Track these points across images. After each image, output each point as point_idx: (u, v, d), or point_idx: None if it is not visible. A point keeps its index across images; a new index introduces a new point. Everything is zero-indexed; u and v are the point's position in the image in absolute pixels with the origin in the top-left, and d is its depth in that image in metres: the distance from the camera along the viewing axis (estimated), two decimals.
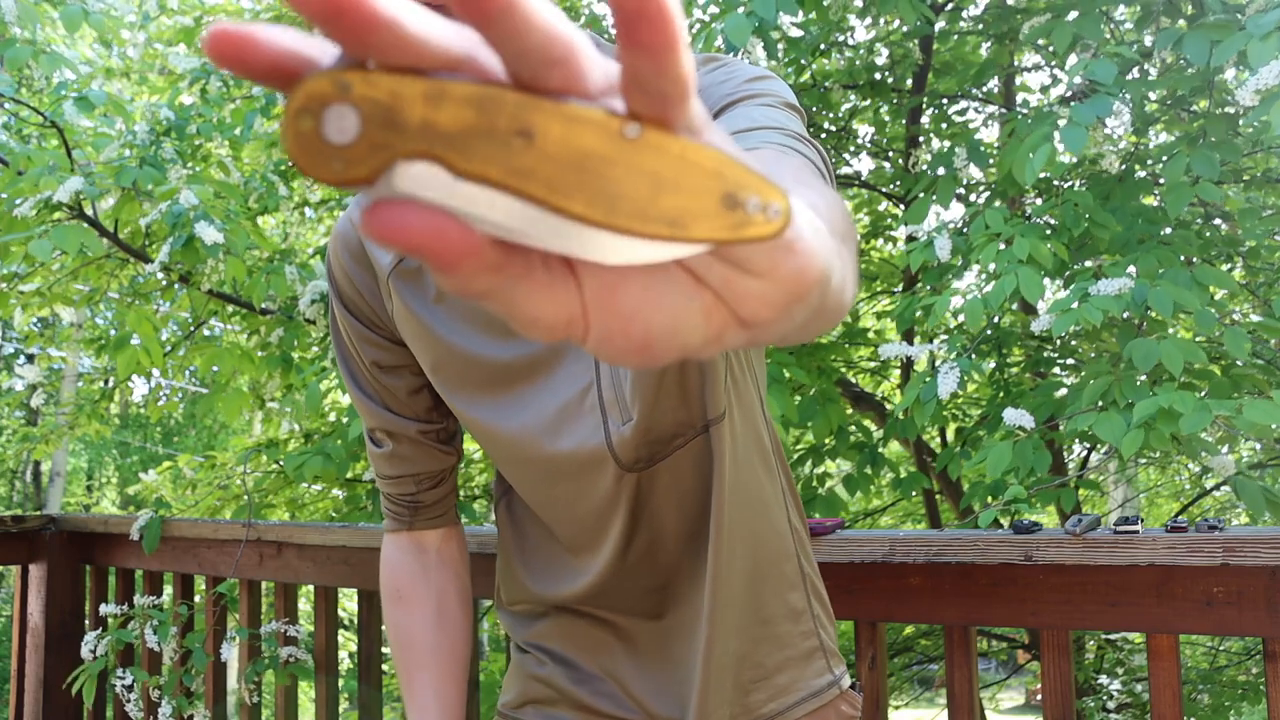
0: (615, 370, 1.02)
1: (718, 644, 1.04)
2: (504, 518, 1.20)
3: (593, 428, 1.02)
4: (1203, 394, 2.45)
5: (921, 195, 3.12)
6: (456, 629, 1.21)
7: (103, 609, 2.58)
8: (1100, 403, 2.39)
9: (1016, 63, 4.43)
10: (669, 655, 1.09)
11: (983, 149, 3.20)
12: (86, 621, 2.73)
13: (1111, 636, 5.16)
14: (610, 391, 1.02)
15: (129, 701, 2.53)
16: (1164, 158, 3.14)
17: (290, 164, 3.83)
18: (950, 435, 4.60)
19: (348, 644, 7.04)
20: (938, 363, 2.64)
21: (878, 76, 4.13)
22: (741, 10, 2.60)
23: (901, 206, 4.34)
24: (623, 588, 1.09)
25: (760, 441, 1.12)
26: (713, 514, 1.04)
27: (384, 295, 1.09)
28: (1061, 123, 2.60)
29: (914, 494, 4.69)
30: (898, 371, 5.03)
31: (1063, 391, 3.08)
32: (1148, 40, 3.17)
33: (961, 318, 2.87)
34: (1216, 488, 5.81)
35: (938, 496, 4.82)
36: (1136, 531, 1.34)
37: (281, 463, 3.39)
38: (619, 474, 1.03)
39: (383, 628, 2.44)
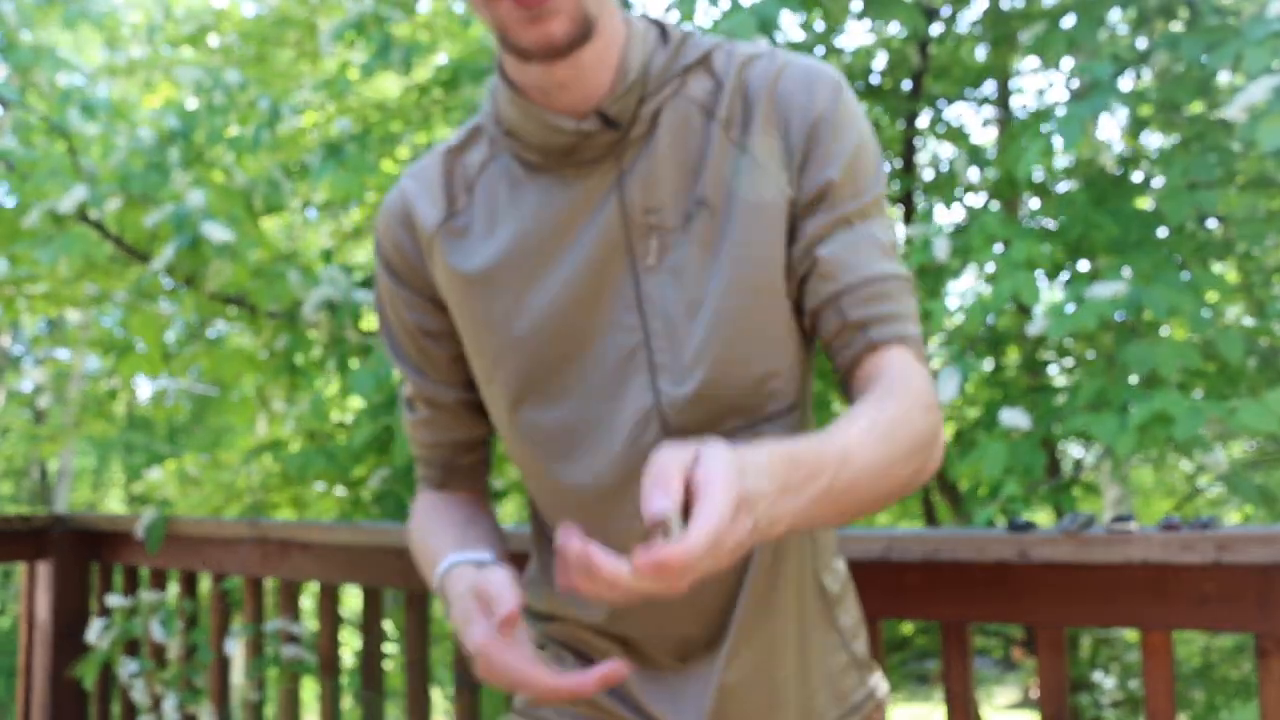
0: (673, 329, 1.00)
1: (737, 661, 1.04)
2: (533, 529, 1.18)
3: (641, 388, 1.00)
4: (1198, 394, 2.47)
5: (921, 193, 3.15)
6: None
7: (109, 600, 2.61)
8: (1095, 403, 2.42)
9: (1013, 66, 4.46)
10: (687, 671, 1.07)
11: (982, 152, 3.23)
12: (93, 618, 2.75)
13: (1106, 633, 5.19)
14: (665, 354, 1.00)
15: (134, 689, 2.55)
16: (1160, 162, 3.16)
17: (293, 166, 3.86)
18: (948, 436, 4.62)
19: (351, 642, 7.05)
20: (937, 365, 2.67)
21: (875, 81, 4.16)
22: (747, 5, 2.62)
23: (900, 208, 4.37)
24: (647, 611, 1.03)
25: None
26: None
27: (427, 255, 1.07)
28: (1060, 113, 2.63)
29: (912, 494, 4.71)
30: None
31: (1061, 398, 3.11)
32: (1143, 45, 3.20)
33: (960, 319, 2.90)
34: (1209, 486, 5.85)
35: (934, 496, 4.84)
36: (1130, 530, 1.36)
37: (285, 462, 3.41)
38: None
39: (383, 624, 2.47)
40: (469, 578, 0.95)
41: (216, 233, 2.72)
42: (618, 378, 1.01)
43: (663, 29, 1.04)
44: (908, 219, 4.01)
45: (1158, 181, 3.31)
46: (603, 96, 0.98)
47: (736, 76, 1.01)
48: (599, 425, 1.02)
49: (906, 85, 4.18)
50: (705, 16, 3.72)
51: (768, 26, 2.70)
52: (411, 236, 1.08)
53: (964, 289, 2.82)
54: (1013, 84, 4.69)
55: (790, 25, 3.70)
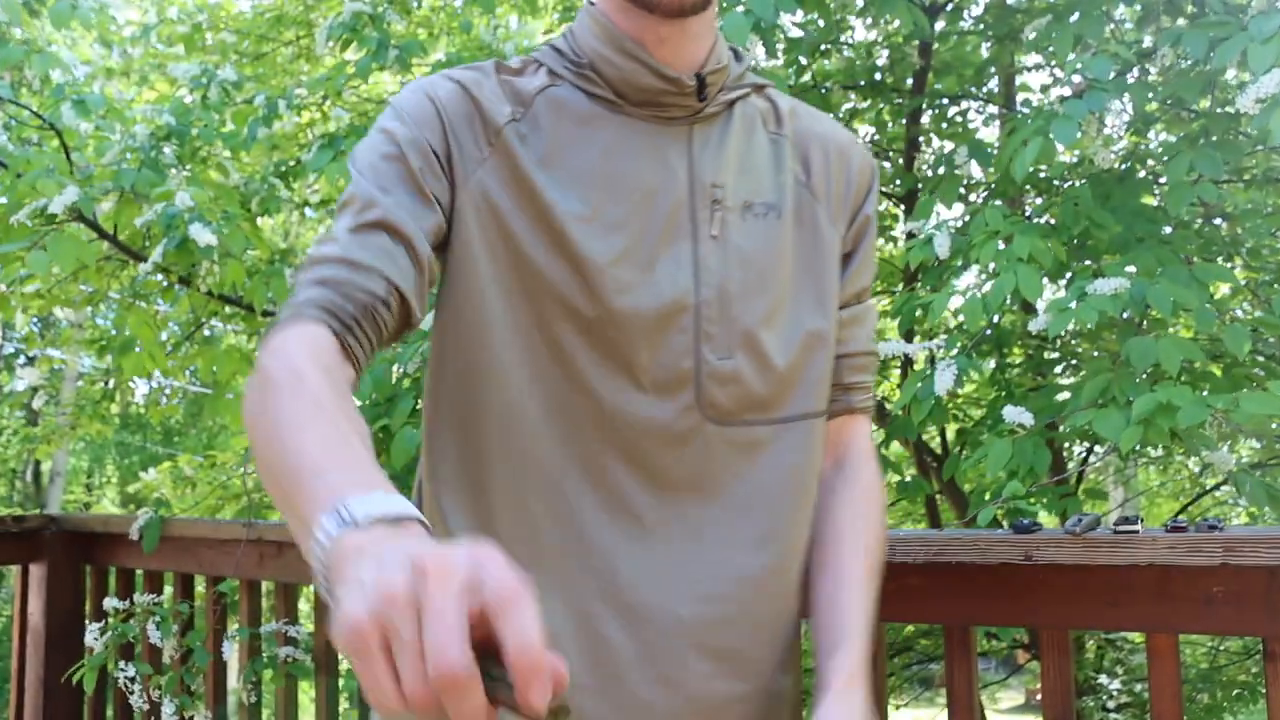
0: (726, 303, 1.02)
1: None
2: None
3: (682, 348, 1.02)
4: (1203, 391, 2.45)
5: (924, 194, 3.13)
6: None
7: (105, 603, 2.59)
8: (1100, 400, 2.39)
9: (1017, 62, 4.43)
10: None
11: (985, 148, 3.20)
12: (87, 621, 2.73)
13: (1111, 636, 5.17)
14: (714, 325, 1.02)
15: (132, 693, 2.53)
16: (1165, 157, 3.14)
17: (289, 164, 3.84)
18: (950, 435, 4.60)
19: None
20: (936, 360, 2.64)
21: (877, 77, 4.14)
22: (740, 9, 2.60)
23: (902, 206, 4.34)
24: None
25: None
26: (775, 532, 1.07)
27: (490, 142, 1.01)
28: (1065, 108, 2.61)
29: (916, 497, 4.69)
30: (897, 371, 5.03)
31: (1064, 395, 3.09)
32: (1149, 41, 3.18)
33: (961, 317, 2.88)
34: (1216, 487, 5.82)
35: (938, 497, 4.82)
36: (1136, 531, 1.34)
37: None
38: (698, 420, 1.03)
39: None
40: (413, 550, 0.54)
41: (203, 235, 2.70)
42: (660, 328, 1.01)
43: (735, 50, 1.13)
44: (909, 217, 3.99)
45: (1163, 178, 3.28)
46: (697, 65, 1.05)
47: (790, 116, 1.14)
48: (632, 365, 1.01)
49: (908, 82, 4.16)
50: None
51: (764, 27, 2.67)
52: (477, 115, 1.02)
53: (966, 286, 2.79)
54: (1016, 80, 4.66)
55: (790, 25, 3.66)
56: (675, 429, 1.02)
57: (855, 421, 1.17)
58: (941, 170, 3.18)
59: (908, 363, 4.25)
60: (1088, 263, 3.06)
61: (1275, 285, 3.58)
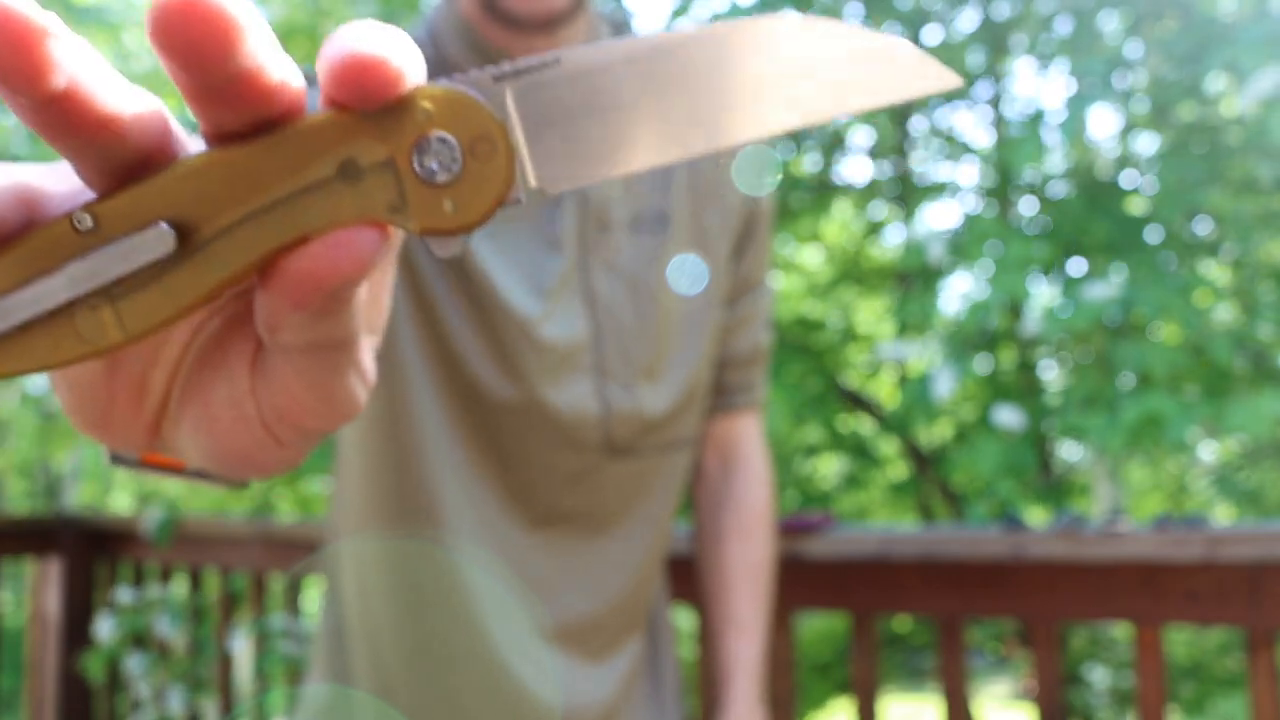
0: (621, 334, 0.98)
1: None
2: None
3: (584, 387, 0.97)
4: (1191, 395, 2.51)
5: (915, 200, 3.18)
6: None
7: (119, 595, 2.64)
8: (1088, 403, 2.45)
9: (1007, 68, 4.49)
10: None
11: (976, 153, 3.26)
12: (101, 613, 2.78)
13: (1097, 631, 5.24)
14: (615, 361, 0.98)
15: (143, 684, 2.58)
16: (1151, 165, 3.20)
17: None
18: (944, 434, 4.66)
19: None
20: (932, 365, 2.70)
21: None
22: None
23: (898, 207, 4.40)
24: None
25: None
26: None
27: None
28: (1058, 113, 2.66)
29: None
30: (891, 373, 5.09)
31: (1054, 394, 3.15)
32: (1136, 50, 3.24)
33: (955, 320, 2.94)
34: (1200, 484, 5.88)
35: (932, 498, 4.88)
36: (1123, 527, 1.40)
37: None
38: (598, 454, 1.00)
39: None
40: None
41: None
42: (562, 367, 0.97)
43: (618, 29, 1.05)
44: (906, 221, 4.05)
45: (1149, 185, 3.35)
46: None
47: None
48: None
49: None
50: (704, 15, 3.76)
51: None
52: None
53: (960, 291, 2.85)
54: (1005, 87, 4.72)
55: None
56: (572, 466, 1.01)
57: (742, 418, 1.16)
58: (933, 177, 3.23)
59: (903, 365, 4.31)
60: (1076, 266, 3.12)
61: (1254, 292, 3.65)
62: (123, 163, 0.27)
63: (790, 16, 0.31)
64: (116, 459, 0.42)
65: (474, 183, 0.29)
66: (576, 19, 0.95)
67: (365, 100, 0.27)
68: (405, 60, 0.27)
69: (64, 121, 0.26)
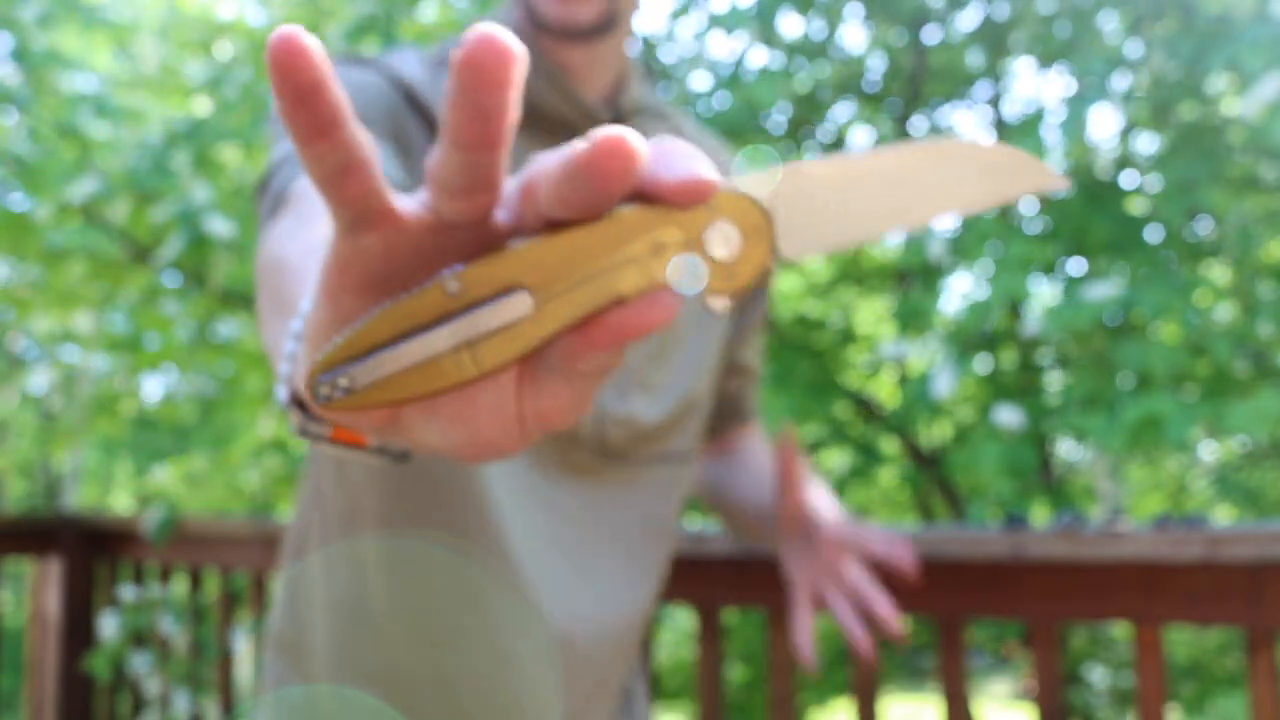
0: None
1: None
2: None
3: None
4: (1191, 395, 2.51)
5: None
6: None
7: (119, 594, 2.64)
8: (1088, 402, 2.45)
9: (1007, 68, 4.49)
10: None
11: None
12: (101, 613, 2.79)
13: (1097, 632, 5.24)
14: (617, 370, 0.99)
15: (144, 683, 2.58)
16: (1154, 165, 3.20)
17: None
18: (944, 434, 4.67)
19: None
20: (933, 365, 2.71)
21: (871, 87, 4.19)
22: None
23: None
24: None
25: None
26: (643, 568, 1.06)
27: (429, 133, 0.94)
28: (1058, 114, 2.66)
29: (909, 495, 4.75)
30: (892, 372, 5.09)
31: (1054, 395, 3.15)
32: (1136, 50, 3.24)
33: (955, 319, 2.94)
34: (1201, 484, 5.89)
35: (932, 499, 4.89)
36: (1123, 527, 1.40)
37: (290, 461, 3.44)
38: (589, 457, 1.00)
39: None
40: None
41: (219, 227, 2.73)
42: None
43: (647, 66, 1.08)
44: None
45: (1150, 184, 3.35)
46: (602, 93, 1.00)
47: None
48: None
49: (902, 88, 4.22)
50: (704, 16, 3.76)
51: (767, 30, 2.73)
52: (419, 106, 0.94)
53: (961, 291, 2.86)
54: (1006, 86, 4.72)
55: (788, 26, 3.71)
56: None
57: (748, 428, 1.27)
58: None
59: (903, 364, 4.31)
60: (1076, 266, 3.12)
61: (1254, 292, 3.65)
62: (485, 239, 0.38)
63: (953, 140, 0.42)
64: (304, 433, 0.49)
65: (746, 258, 0.38)
66: (613, 33, 0.98)
67: (691, 204, 0.36)
68: (716, 176, 0.36)
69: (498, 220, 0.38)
